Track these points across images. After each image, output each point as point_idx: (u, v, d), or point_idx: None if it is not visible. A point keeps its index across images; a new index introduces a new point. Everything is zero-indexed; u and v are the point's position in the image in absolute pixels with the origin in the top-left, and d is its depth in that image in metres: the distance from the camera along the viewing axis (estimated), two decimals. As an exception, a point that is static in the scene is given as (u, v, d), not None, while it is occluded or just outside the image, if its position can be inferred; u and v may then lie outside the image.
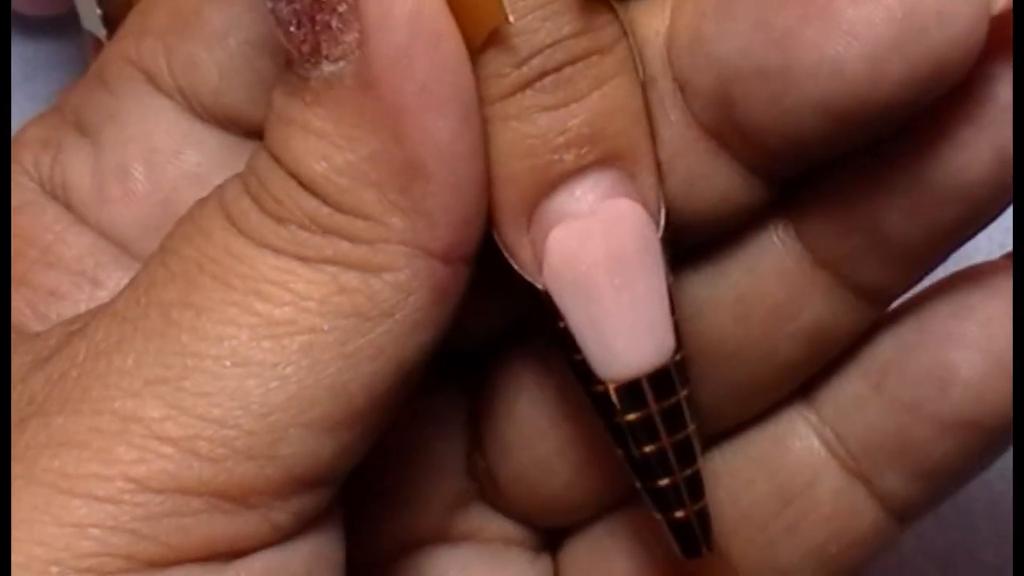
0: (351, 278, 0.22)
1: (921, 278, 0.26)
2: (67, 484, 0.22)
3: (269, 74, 0.25)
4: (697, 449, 0.25)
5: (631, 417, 0.24)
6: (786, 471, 0.28)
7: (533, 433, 0.28)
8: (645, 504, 0.25)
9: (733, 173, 0.25)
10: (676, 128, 0.24)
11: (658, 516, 0.25)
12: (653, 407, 0.24)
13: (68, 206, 0.26)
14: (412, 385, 0.24)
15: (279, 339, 0.22)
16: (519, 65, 0.23)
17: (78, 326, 0.24)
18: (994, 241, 0.30)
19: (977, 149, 0.24)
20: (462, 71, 0.22)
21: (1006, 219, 0.25)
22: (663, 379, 0.24)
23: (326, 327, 0.22)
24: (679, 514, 0.25)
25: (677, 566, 0.26)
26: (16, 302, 0.26)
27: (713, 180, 0.25)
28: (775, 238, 0.26)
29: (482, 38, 0.22)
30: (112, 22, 0.36)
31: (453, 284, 0.23)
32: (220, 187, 0.24)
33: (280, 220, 0.23)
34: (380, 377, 0.23)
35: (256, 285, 0.22)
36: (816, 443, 0.27)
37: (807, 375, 0.27)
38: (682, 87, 0.24)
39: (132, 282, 0.23)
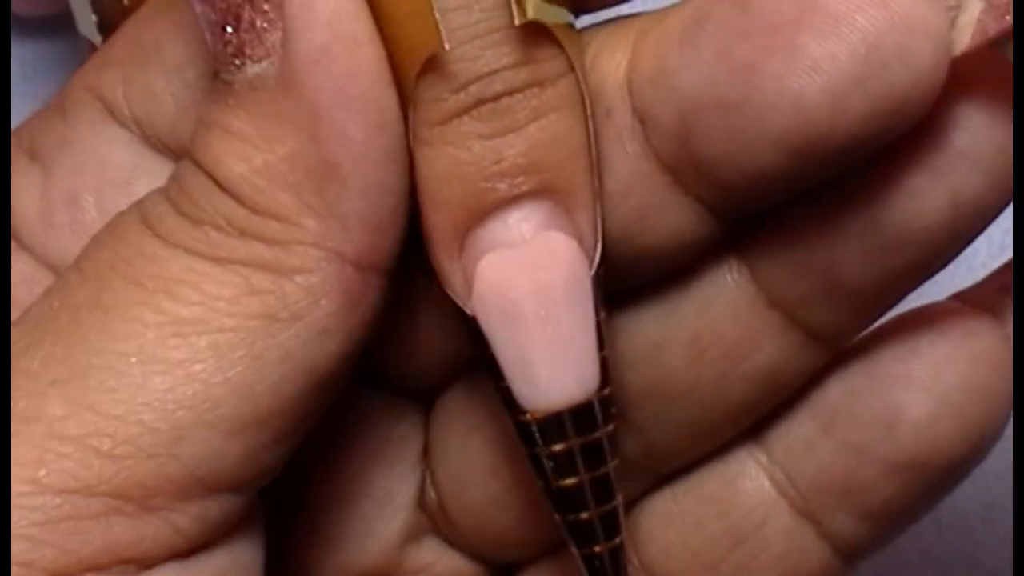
0: (262, 279, 0.23)
1: (874, 321, 0.26)
2: None
3: None
4: (615, 486, 0.25)
5: (551, 449, 0.24)
6: (737, 511, 0.28)
7: (487, 469, 0.28)
8: (564, 537, 0.25)
9: (687, 208, 0.25)
10: (632, 160, 0.24)
11: (574, 550, 0.25)
12: (573, 441, 0.24)
13: (13, 232, 0.26)
14: (326, 397, 0.24)
15: (187, 337, 0.22)
16: (456, 91, 0.23)
17: None
18: (994, 242, 0.30)
19: (932, 195, 0.24)
20: (380, 77, 0.22)
21: (1006, 219, 0.25)
22: (585, 414, 0.24)
23: (235, 327, 0.22)
24: (595, 549, 0.25)
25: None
26: None
27: (666, 215, 0.25)
28: (729, 278, 0.26)
29: (419, 63, 0.22)
30: (107, 29, 0.37)
31: (365, 293, 0.23)
32: (144, 196, 0.24)
33: (196, 222, 0.23)
34: (287, 380, 0.23)
35: (166, 285, 0.23)
36: (767, 483, 0.27)
37: (759, 415, 0.27)
38: (642, 119, 0.24)
39: (48, 289, 0.24)
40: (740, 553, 0.28)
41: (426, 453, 0.29)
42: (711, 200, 0.25)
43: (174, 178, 0.23)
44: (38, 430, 0.22)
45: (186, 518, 0.23)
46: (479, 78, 0.23)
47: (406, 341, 0.27)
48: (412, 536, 0.29)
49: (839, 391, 0.27)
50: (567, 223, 0.24)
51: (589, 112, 0.24)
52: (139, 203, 0.24)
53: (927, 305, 0.27)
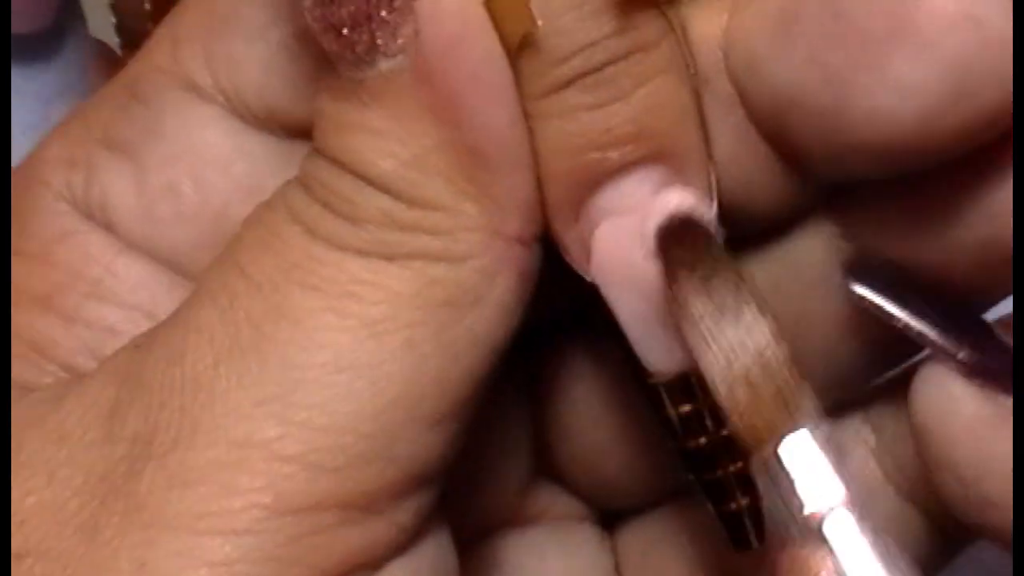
0: (438, 269, 0.23)
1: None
2: (203, 524, 0.21)
3: (311, 69, 0.25)
4: None
5: (680, 411, 0.24)
6: None
7: (590, 419, 0.28)
8: (698, 495, 0.25)
9: (789, 177, 0.25)
10: (734, 129, 0.24)
11: (709, 508, 0.25)
12: (702, 402, 0.24)
13: (109, 228, 0.26)
14: (497, 368, 0.24)
15: (380, 337, 0.22)
16: (557, 65, 0.23)
17: (139, 340, 0.24)
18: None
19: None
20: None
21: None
22: None
23: (423, 319, 0.22)
24: (731, 507, 0.25)
25: (730, 559, 0.26)
26: (69, 342, 0.25)
27: (769, 182, 0.25)
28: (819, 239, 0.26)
29: (516, 41, 0.22)
30: (127, 31, 0.36)
31: (532, 263, 0.24)
32: (281, 195, 0.24)
33: (356, 221, 0.23)
34: (479, 363, 0.23)
35: (347, 287, 0.22)
36: (872, 464, 0.27)
37: (856, 379, 0.27)
38: (740, 94, 0.24)
39: (208, 295, 0.23)
40: None
41: (533, 405, 0.29)
42: (811, 172, 0.25)
43: (313, 177, 0.23)
44: (258, 455, 0.22)
45: (407, 514, 0.23)
46: (581, 49, 0.23)
47: None
48: (529, 484, 0.29)
49: None
50: (682, 186, 0.24)
51: (693, 71, 0.24)
52: (285, 203, 0.23)
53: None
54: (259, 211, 0.24)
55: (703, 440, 0.25)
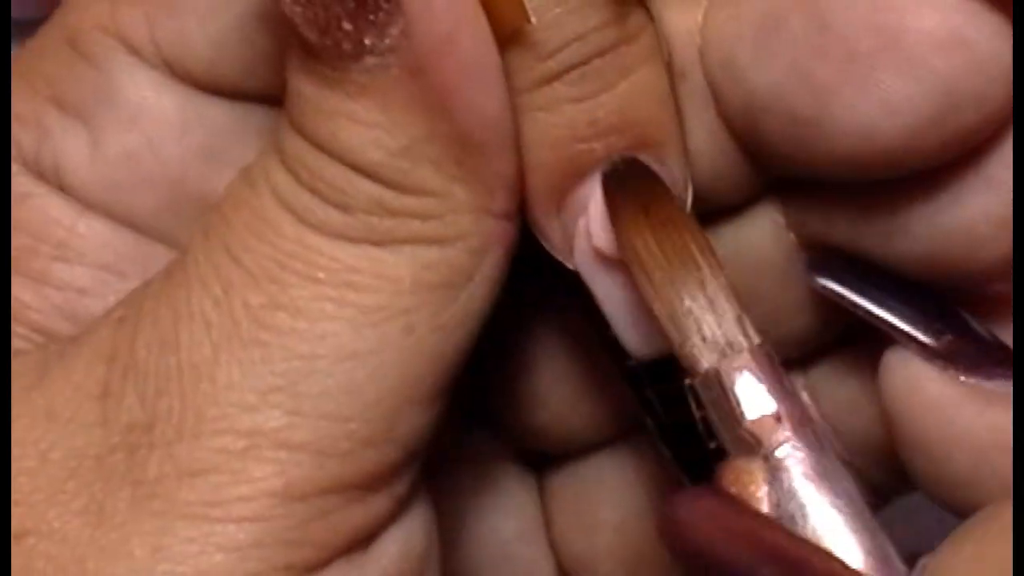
0: (431, 253, 0.23)
1: None
2: (216, 512, 0.22)
3: (267, 47, 0.25)
4: None
5: (660, 391, 0.25)
6: None
7: (525, 365, 0.29)
8: (678, 475, 0.26)
9: (754, 173, 0.25)
10: (706, 124, 0.25)
11: (685, 482, 0.26)
12: (680, 382, 0.25)
13: (64, 191, 0.26)
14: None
15: (378, 326, 0.23)
16: (545, 59, 0.23)
17: (120, 313, 0.24)
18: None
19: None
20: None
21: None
22: None
23: (419, 303, 0.23)
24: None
25: (657, 511, 0.27)
26: (40, 304, 0.25)
27: (736, 176, 0.25)
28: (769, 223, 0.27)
29: (506, 36, 0.23)
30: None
31: (513, 235, 0.24)
32: (263, 174, 0.24)
33: (347, 209, 0.23)
34: (469, 336, 0.24)
35: (343, 276, 0.23)
36: None
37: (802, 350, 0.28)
38: (714, 91, 0.25)
39: (197, 280, 0.23)
40: None
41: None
42: (774, 169, 0.25)
43: (299, 162, 0.23)
44: (266, 444, 0.22)
45: (403, 487, 0.24)
46: (567, 44, 0.23)
47: None
48: (459, 424, 0.29)
49: None
50: (662, 172, 0.24)
51: (666, 59, 0.24)
52: (268, 184, 0.23)
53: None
54: (240, 190, 0.24)
55: (680, 420, 0.25)
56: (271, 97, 0.25)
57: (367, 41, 0.22)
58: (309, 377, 0.23)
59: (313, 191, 0.23)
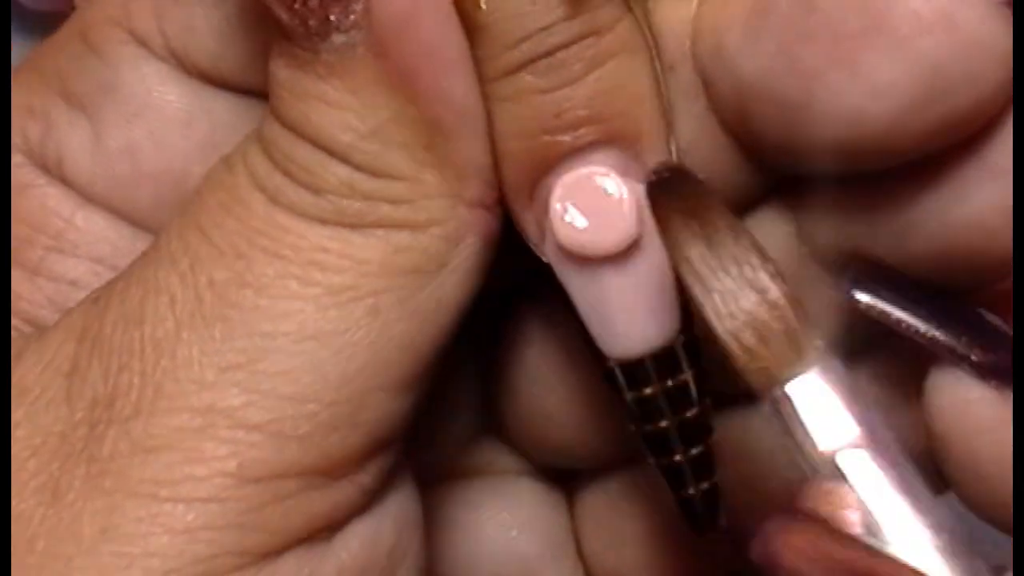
0: (402, 237, 0.23)
1: None
2: (167, 491, 0.22)
3: (267, 39, 0.24)
4: (706, 429, 0.25)
5: (636, 394, 0.24)
6: None
7: (538, 383, 0.28)
8: (658, 479, 0.25)
9: (747, 168, 0.25)
10: (696, 118, 0.24)
11: (669, 492, 0.25)
12: (657, 386, 0.24)
13: (66, 184, 0.26)
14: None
15: (344, 306, 0.22)
16: (508, 49, 0.23)
17: (97, 294, 0.24)
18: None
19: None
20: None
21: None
22: (667, 359, 0.24)
23: (388, 287, 0.23)
24: (688, 492, 0.25)
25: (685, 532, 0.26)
26: (33, 295, 0.25)
27: (728, 171, 0.25)
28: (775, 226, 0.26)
29: (471, 23, 0.23)
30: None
31: (495, 227, 0.24)
32: (241, 158, 0.24)
33: (318, 191, 0.23)
34: (443, 327, 0.23)
35: (311, 256, 0.23)
36: None
37: None
38: (704, 83, 0.24)
39: (167, 255, 0.23)
40: None
41: (485, 361, 0.29)
42: (769, 164, 0.25)
43: (273, 144, 0.23)
44: (223, 423, 0.22)
45: (369, 476, 0.23)
46: (532, 34, 0.23)
47: None
48: (472, 438, 0.29)
49: None
50: (638, 169, 0.24)
51: (654, 54, 0.24)
52: (245, 165, 0.23)
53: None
54: (219, 173, 0.24)
55: (659, 425, 0.24)
56: None
57: (332, 17, 0.22)
58: (270, 355, 0.22)
59: (286, 172, 0.23)
